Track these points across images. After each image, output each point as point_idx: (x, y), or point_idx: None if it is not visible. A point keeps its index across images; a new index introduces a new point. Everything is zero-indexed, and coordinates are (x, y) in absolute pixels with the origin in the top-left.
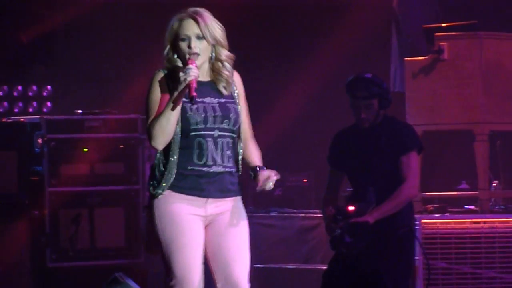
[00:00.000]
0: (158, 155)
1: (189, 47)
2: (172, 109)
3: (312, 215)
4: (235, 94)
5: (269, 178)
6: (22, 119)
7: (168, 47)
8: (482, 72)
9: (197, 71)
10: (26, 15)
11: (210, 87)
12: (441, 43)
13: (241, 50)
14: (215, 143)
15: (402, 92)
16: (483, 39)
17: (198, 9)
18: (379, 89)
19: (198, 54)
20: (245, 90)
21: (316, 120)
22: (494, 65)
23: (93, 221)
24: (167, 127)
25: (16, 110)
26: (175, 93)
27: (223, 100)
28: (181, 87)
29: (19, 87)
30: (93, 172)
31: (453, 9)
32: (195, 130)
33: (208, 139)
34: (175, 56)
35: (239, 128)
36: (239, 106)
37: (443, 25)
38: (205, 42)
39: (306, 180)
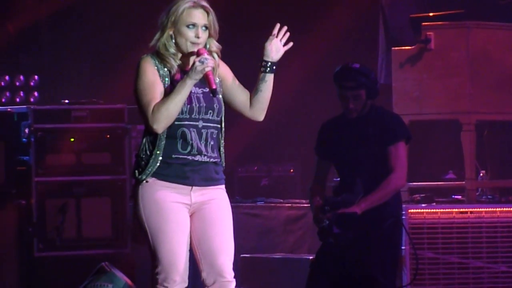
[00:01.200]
0: (143, 143)
1: (197, 36)
2: (183, 95)
3: (298, 205)
4: (217, 81)
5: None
6: (9, 109)
7: (167, 32)
8: (469, 61)
9: (213, 62)
10: (13, 5)
11: None
12: (428, 33)
13: (227, 40)
14: (199, 134)
15: (389, 84)
16: (470, 29)
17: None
18: (366, 80)
19: (201, 43)
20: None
21: (303, 110)
22: (481, 55)
23: (80, 211)
24: (173, 112)
25: (3, 100)
26: (187, 80)
27: (207, 89)
28: (195, 75)
29: (6, 77)
30: (80, 162)
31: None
32: (179, 119)
33: (192, 129)
34: (173, 41)
35: (221, 118)
36: (221, 94)
37: (430, 14)
38: (207, 33)
39: (292, 170)
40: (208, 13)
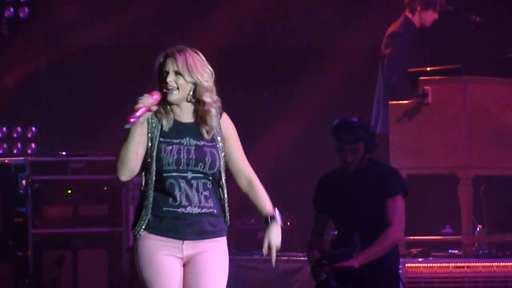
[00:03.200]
0: (139, 195)
1: (165, 81)
2: (129, 139)
3: (295, 258)
4: (218, 138)
5: (270, 249)
6: (6, 161)
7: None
8: (466, 116)
9: (150, 100)
10: (12, 57)
11: (191, 128)
12: (425, 87)
13: (225, 91)
14: (189, 185)
15: (386, 135)
16: (467, 83)
17: (184, 47)
18: (365, 133)
19: (173, 88)
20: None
21: (300, 163)
22: (478, 109)
23: (77, 262)
24: (125, 155)
25: (0, 151)
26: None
27: (202, 143)
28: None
29: (4, 129)
30: (77, 214)
31: (440, 53)
32: (167, 171)
33: (181, 180)
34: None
35: (218, 172)
36: (220, 151)
37: (428, 69)
38: (183, 78)
39: (289, 223)
40: (175, 58)
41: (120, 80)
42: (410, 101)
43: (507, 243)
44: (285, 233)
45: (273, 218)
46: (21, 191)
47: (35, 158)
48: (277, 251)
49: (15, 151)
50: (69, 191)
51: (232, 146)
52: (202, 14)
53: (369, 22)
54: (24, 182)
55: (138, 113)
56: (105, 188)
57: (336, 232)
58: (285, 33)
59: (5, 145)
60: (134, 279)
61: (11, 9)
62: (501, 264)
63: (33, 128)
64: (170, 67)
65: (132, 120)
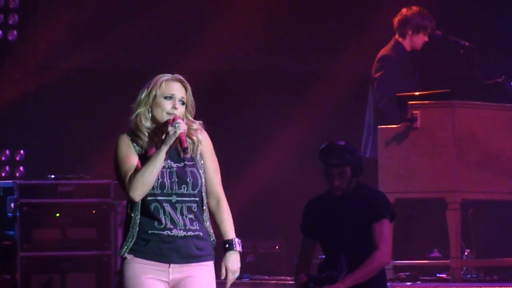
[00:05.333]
0: (126, 218)
1: (174, 107)
2: (157, 163)
3: (283, 282)
4: (198, 157)
5: (228, 276)
6: None
7: (145, 106)
8: (455, 140)
9: (185, 126)
10: (0, 79)
11: (171, 152)
12: (414, 112)
13: (212, 116)
14: (174, 208)
15: (376, 159)
16: (456, 108)
17: (181, 76)
18: (352, 157)
19: (178, 118)
20: (216, 155)
21: (288, 187)
22: (467, 134)
23: (65, 286)
24: (149, 179)
25: None
26: (163, 147)
27: (182, 164)
28: (170, 140)
29: None
30: (65, 237)
31: (430, 77)
32: (152, 195)
33: (165, 204)
34: (149, 115)
35: (200, 191)
36: (201, 169)
37: (416, 93)
38: (184, 108)
39: (278, 247)
40: (185, 88)
41: (108, 103)
42: (399, 125)
43: (495, 268)
44: (274, 257)
45: (231, 244)
46: (9, 214)
47: (24, 181)
48: (235, 277)
49: (3, 174)
50: (58, 214)
51: (208, 163)
52: (189, 38)
53: (359, 46)
54: (12, 205)
55: (184, 138)
56: (94, 211)
57: (323, 256)
58: (275, 57)
59: None
60: None
61: (0, 32)
62: None
63: (22, 151)
64: (178, 92)
65: (187, 145)
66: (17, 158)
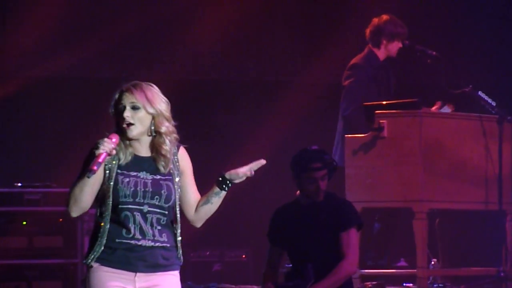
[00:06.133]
0: (94, 226)
1: (121, 116)
2: (84, 179)
3: None
4: (175, 172)
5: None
6: None
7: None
8: (422, 150)
9: (110, 146)
10: None
11: (148, 163)
12: (381, 121)
13: (182, 123)
14: (144, 218)
15: (342, 167)
16: (423, 117)
17: (138, 82)
18: (329, 158)
19: (131, 124)
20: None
21: (255, 196)
22: (433, 143)
23: None
24: (79, 196)
25: None
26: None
27: (158, 177)
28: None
29: None
30: (32, 245)
31: (398, 86)
32: (123, 203)
33: (136, 213)
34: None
35: (173, 206)
36: (176, 185)
37: (383, 102)
38: (141, 112)
39: (245, 256)
40: (135, 89)
41: (77, 112)
42: (366, 134)
43: (462, 277)
44: (241, 266)
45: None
46: None
47: None
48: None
49: None
50: (24, 223)
51: (188, 179)
52: (160, 46)
53: (331, 54)
54: None
55: (100, 160)
56: (61, 219)
57: (290, 265)
58: (245, 65)
59: None
60: None
61: None
62: None
63: None
64: (127, 101)
65: (95, 168)
66: None
